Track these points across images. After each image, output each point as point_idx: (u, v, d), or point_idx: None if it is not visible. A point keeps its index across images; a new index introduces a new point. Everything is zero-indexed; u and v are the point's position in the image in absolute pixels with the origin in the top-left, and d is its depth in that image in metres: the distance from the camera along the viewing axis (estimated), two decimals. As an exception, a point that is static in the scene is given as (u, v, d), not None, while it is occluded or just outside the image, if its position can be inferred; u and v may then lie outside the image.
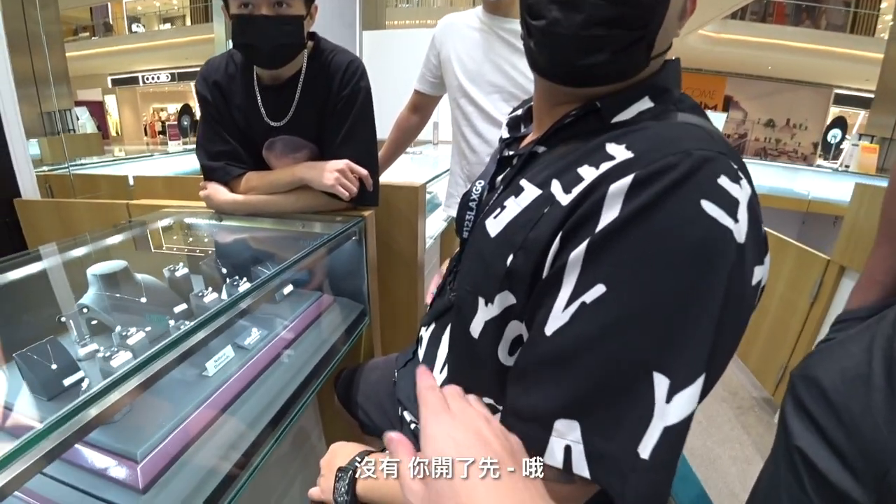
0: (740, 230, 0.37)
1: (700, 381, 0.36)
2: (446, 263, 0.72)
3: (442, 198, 1.82)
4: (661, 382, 0.36)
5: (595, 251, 0.38)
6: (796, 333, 1.89)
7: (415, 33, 4.02)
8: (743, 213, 0.38)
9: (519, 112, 0.65)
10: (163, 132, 12.01)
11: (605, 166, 0.41)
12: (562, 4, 0.44)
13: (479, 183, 0.60)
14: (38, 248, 0.91)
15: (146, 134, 12.22)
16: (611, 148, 0.42)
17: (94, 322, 0.85)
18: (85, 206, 1.45)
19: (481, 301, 0.49)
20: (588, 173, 0.42)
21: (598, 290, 0.37)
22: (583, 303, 0.37)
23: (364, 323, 1.03)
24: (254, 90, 1.01)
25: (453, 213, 1.34)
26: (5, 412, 0.66)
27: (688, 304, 0.36)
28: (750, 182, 0.40)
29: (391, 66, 3.64)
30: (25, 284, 0.87)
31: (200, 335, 0.60)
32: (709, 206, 0.36)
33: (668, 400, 0.35)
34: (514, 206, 0.48)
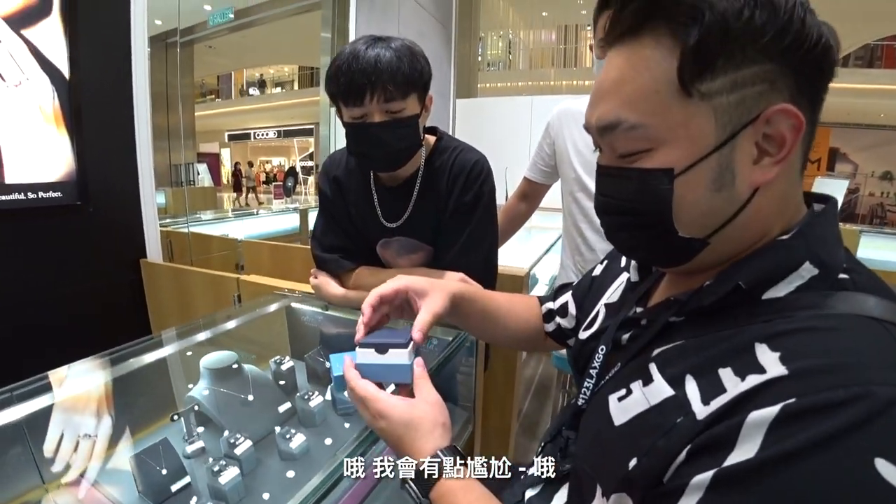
0: None
1: None
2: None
3: (541, 279, 1.75)
4: None
5: (722, 484, 0.31)
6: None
7: (504, 101, 4.13)
8: None
9: None
10: (266, 182, 13.19)
11: (751, 380, 0.33)
12: (599, 212, 0.49)
13: (601, 349, 0.54)
14: (160, 334, 0.94)
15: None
16: (761, 353, 0.34)
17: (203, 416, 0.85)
18: (200, 275, 1.54)
19: (599, 489, 0.43)
20: (731, 384, 0.35)
21: None
22: None
23: (468, 432, 0.96)
24: (370, 189, 1.00)
25: None
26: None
27: None
28: None
29: (482, 133, 3.74)
30: (144, 370, 0.90)
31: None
32: (886, 469, 0.27)
33: None
34: (641, 398, 0.42)
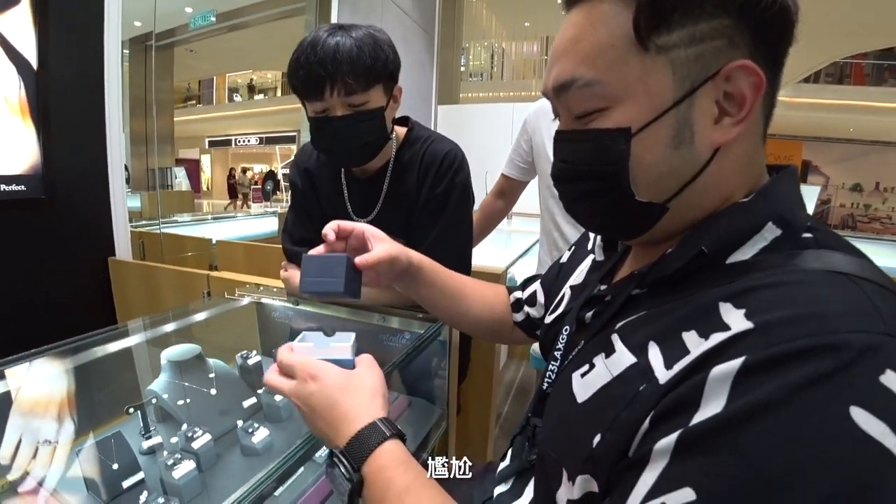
0: None
1: None
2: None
3: (519, 280, 1.74)
4: None
5: (689, 446, 0.29)
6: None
7: (486, 107, 4.17)
8: None
9: None
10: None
11: (714, 339, 0.32)
12: (556, 181, 0.47)
13: (566, 329, 0.52)
14: (125, 325, 0.90)
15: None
16: (725, 311, 0.33)
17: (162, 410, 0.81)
18: (170, 271, 1.50)
19: (565, 474, 0.41)
20: (694, 344, 0.33)
21: (685, 495, 0.28)
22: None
23: (441, 429, 0.93)
24: (340, 182, 0.97)
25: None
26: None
27: None
28: None
29: (464, 138, 3.74)
30: (104, 361, 0.86)
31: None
32: (862, 418, 0.25)
33: None
34: (604, 370, 0.40)
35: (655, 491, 0.30)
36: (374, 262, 0.61)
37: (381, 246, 0.64)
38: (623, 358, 0.39)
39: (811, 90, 9.30)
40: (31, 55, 1.53)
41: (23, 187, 1.52)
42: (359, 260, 0.60)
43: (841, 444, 0.25)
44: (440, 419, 0.95)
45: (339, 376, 0.47)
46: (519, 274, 1.88)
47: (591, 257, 0.62)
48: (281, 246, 1.03)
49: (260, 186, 10.71)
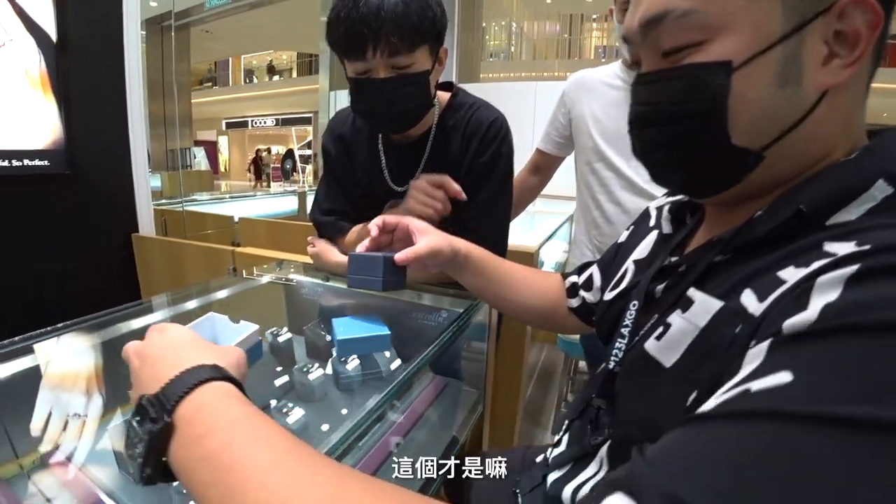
0: None
1: None
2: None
3: (546, 263, 1.68)
4: None
5: (787, 340, 0.26)
6: None
7: (507, 87, 4.07)
8: None
9: (682, 196, 0.53)
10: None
11: (818, 264, 0.28)
12: (634, 128, 0.43)
13: (633, 304, 0.48)
14: (149, 300, 0.88)
15: (249, 171, 13.41)
16: (831, 247, 0.29)
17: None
18: (194, 247, 1.48)
19: None
20: (791, 275, 0.30)
21: (780, 378, 0.24)
22: (746, 390, 0.25)
23: (477, 413, 0.90)
24: (377, 149, 0.91)
25: None
26: (95, 495, 0.59)
27: None
28: None
29: (486, 118, 3.68)
30: (132, 337, 0.83)
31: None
32: None
33: None
34: (686, 326, 0.36)
35: (741, 382, 0.26)
36: (413, 257, 0.63)
37: (425, 240, 0.65)
38: (709, 305, 0.35)
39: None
40: (49, 27, 1.50)
41: (46, 162, 1.51)
42: (398, 256, 0.63)
43: None
44: (476, 403, 0.92)
45: (191, 334, 0.42)
46: (548, 255, 1.83)
47: (654, 233, 0.58)
48: (305, 224, 0.99)
49: (279, 166, 10.86)
